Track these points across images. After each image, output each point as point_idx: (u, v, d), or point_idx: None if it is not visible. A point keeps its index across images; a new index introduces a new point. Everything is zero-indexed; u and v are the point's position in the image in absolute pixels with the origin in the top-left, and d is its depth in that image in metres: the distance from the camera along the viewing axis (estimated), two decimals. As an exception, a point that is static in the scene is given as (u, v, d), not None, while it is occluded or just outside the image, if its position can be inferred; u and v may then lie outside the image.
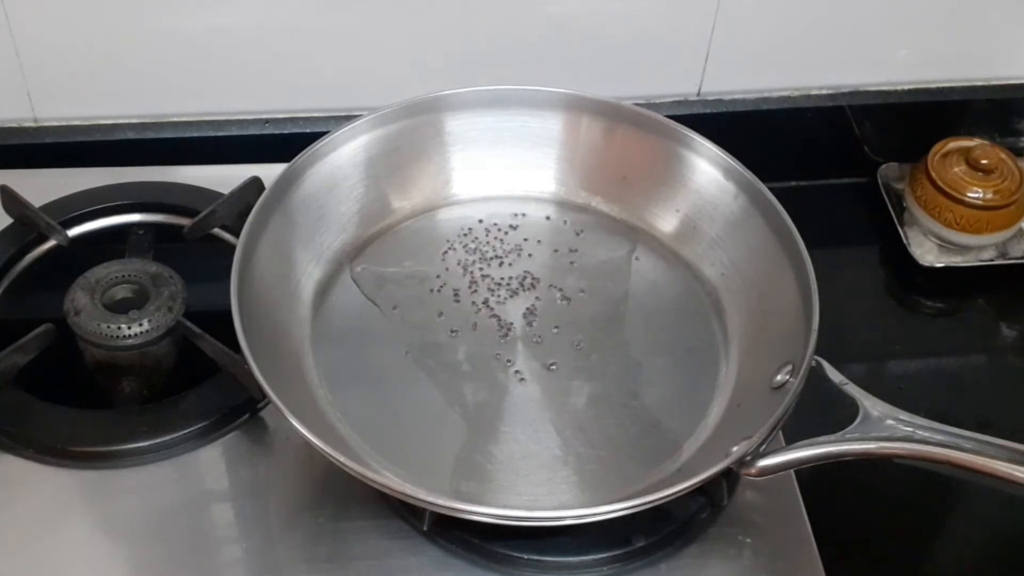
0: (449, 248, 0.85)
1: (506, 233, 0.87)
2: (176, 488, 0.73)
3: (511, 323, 0.81)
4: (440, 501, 0.65)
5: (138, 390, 0.79)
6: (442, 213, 0.88)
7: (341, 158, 0.84)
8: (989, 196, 0.94)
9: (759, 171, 0.82)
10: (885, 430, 0.68)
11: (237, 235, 0.76)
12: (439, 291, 0.83)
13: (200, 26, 0.91)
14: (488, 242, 0.86)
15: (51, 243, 0.87)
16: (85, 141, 0.95)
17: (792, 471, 0.73)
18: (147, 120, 0.96)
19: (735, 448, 0.68)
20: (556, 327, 0.81)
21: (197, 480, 0.74)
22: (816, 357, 0.71)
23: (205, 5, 0.90)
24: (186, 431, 0.75)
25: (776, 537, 0.73)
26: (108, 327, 0.78)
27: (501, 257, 0.85)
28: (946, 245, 0.96)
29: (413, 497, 0.66)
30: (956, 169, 0.95)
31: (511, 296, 0.83)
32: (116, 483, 0.73)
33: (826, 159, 1.05)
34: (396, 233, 0.86)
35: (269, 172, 0.81)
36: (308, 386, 0.76)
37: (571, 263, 0.85)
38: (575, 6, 0.93)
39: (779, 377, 0.73)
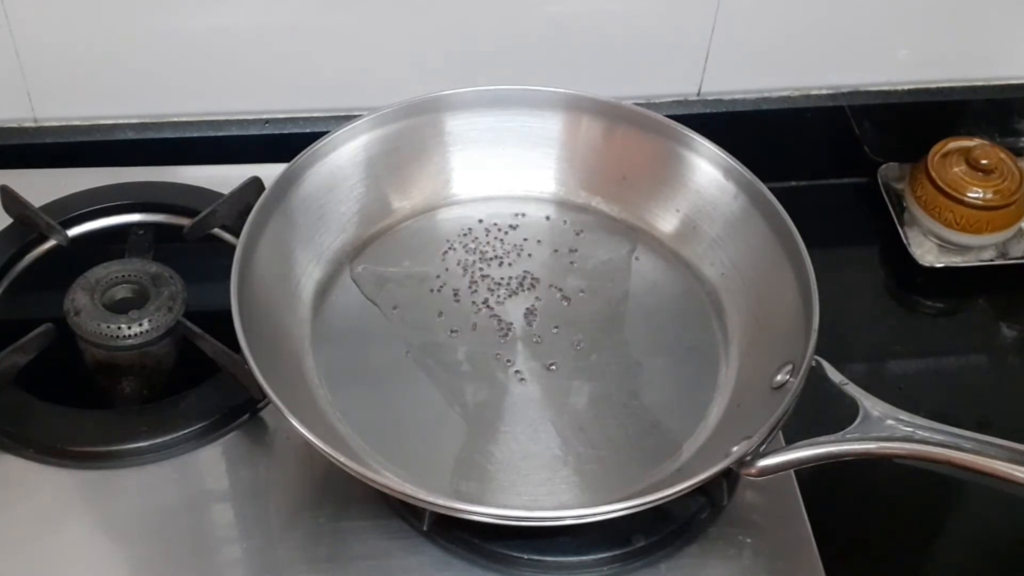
0: (449, 248, 0.85)
1: (506, 233, 0.87)
2: (176, 488, 0.73)
3: (511, 323, 0.81)
4: (440, 501, 0.65)
5: (138, 390, 0.79)
6: (442, 213, 0.88)
7: (341, 158, 0.84)
8: (989, 196, 0.94)
9: (759, 171, 0.82)
10: (885, 430, 0.68)
11: (237, 235, 0.76)
12: (439, 291, 0.83)
13: (200, 26, 0.91)
14: (488, 242, 0.86)
15: (51, 243, 0.87)
16: (85, 141, 0.95)
17: (792, 471, 0.73)
18: (147, 120, 0.96)
19: (735, 448, 0.68)
20: (556, 327, 0.81)
21: (197, 480, 0.74)
22: (816, 357, 0.71)
23: (205, 5, 0.90)
24: (186, 431, 0.75)
25: (776, 537, 0.73)
26: (108, 327, 0.78)
27: (501, 257, 0.85)
28: (946, 245, 0.96)
29: (413, 497, 0.66)
30: (956, 169, 0.95)
31: (511, 296, 0.83)
32: (116, 483, 0.73)
33: (826, 159, 1.05)
34: (396, 233, 0.86)
35: (269, 172, 0.81)
36: (308, 386, 0.76)
37: (571, 263, 0.85)
38: (575, 6, 0.93)
39: (779, 377, 0.73)
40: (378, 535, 0.71)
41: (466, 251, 0.85)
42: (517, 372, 0.78)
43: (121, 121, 0.96)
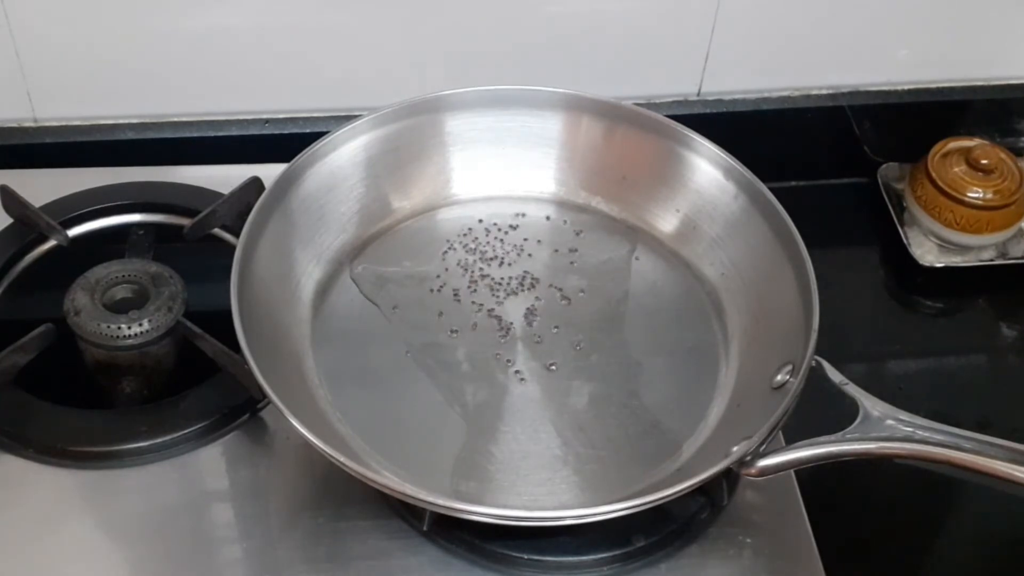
0: (449, 248, 0.85)
1: (506, 233, 0.87)
2: (176, 488, 0.73)
3: (511, 323, 0.81)
4: (440, 501, 0.65)
5: (138, 390, 0.79)
6: (442, 213, 0.88)
7: (341, 158, 0.84)
8: (989, 196, 0.94)
9: (759, 171, 0.82)
10: (885, 430, 0.68)
11: (237, 235, 0.76)
12: (439, 291, 0.83)
13: (200, 26, 0.91)
14: (488, 242, 0.86)
15: (51, 243, 0.87)
16: (85, 141, 0.95)
17: (792, 471, 0.73)
18: (147, 120, 0.96)
19: (735, 448, 0.68)
20: (556, 327, 0.81)
21: (197, 480, 0.74)
22: (816, 357, 0.71)
23: (205, 5, 0.90)
24: (186, 431, 0.75)
25: (776, 537, 0.73)
26: (108, 327, 0.78)
27: (501, 257, 0.85)
28: (946, 245, 0.96)
29: (413, 497, 0.66)
30: (956, 169, 0.95)
31: (511, 296, 0.83)
32: (116, 483, 0.73)
33: (826, 159, 1.05)
34: (396, 233, 0.86)
35: (269, 172, 0.81)
36: (308, 386, 0.76)
37: (571, 263, 0.85)
38: (575, 6, 0.93)
39: (779, 377, 0.73)
40: (378, 535, 0.71)
41: (466, 251, 0.85)
42: (517, 372, 0.78)
43: (121, 121, 0.96)
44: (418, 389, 0.77)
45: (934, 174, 0.95)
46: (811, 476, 0.73)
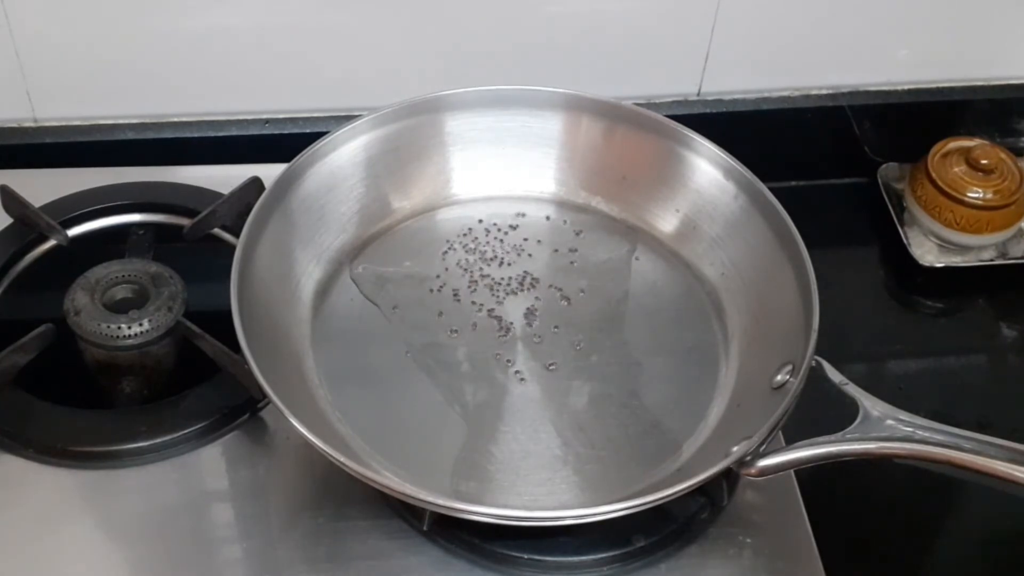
0: (449, 248, 0.85)
1: (506, 233, 0.87)
2: (176, 488, 0.73)
3: (511, 323, 0.81)
4: (440, 501, 0.65)
5: (138, 390, 0.79)
6: (442, 213, 0.88)
7: (341, 158, 0.84)
8: (989, 196, 0.94)
9: (759, 171, 0.82)
10: (885, 430, 0.68)
11: (237, 235, 0.76)
12: (439, 291, 0.83)
13: (200, 26, 0.91)
14: (488, 242, 0.86)
15: (51, 243, 0.87)
16: (85, 141, 0.95)
17: (792, 471, 0.73)
18: (147, 120, 0.96)
19: (735, 448, 0.68)
20: (556, 327, 0.81)
21: (197, 480, 0.74)
22: (816, 357, 0.71)
23: (205, 5, 0.90)
24: (186, 431, 0.75)
25: (776, 537, 0.73)
26: (108, 327, 0.78)
27: (501, 257, 0.85)
28: (946, 245, 0.96)
29: (413, 497, 0.66)
30: (956, 169, 0.95)
31: (511, 296, 0.83)
32: (116, 483, 0.73)
33: (826, 159, 1.05)
34: (396, 233, 0.86)
35: (269, 172, 0.81)
36: (308, 386, 0.76)
37: (571, 263, 0.85)
38: (575, 6, 0.93)
39: (779, 377, 0.73)
40: (378, 535, 0.71)
41: (466, 251, 0.85)
42: (517, 372, 0.78)
43: (121, 121, 0.96)
44: (418, 389, 0.77)
45: (934, 174, 0.95)
46: (811, 476, 0.73)
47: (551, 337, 0.80)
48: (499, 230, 0.87)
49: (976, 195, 0.94)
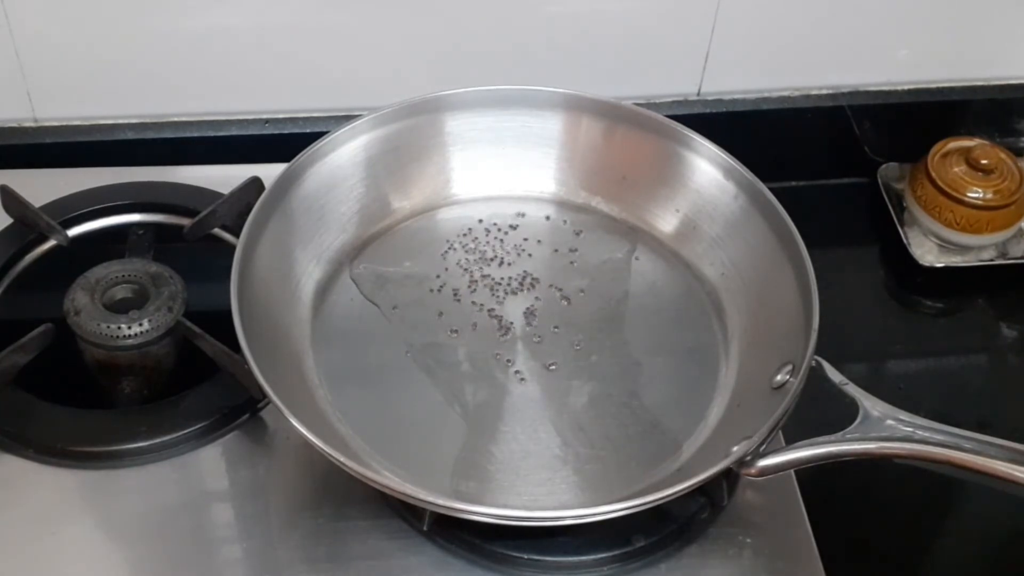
0: (449, 248, 0.85)
1: (506, 233, 0.87)
2: (176, 488, 0.73)
3: (511, 323, 0.81)
4: (440, 501, 0.65)
5: (138, 390, 0.79)
6: (442, 213, 0.88)
7: (341, 158, 0.84)
8: (989, 196, 0.94)
9: (759, 171, 0.82)
10: (885, 430, 0.68)
11: (237, 235, 0.76)
12: (439, 291, 0.83)
13: (200, 26, 0.91)
14: (488, 242, 0.86)
15: (51, 243, 0.87)
16: (85, 141, 0.95)
17: (792, 471, 0.73)
18: (147, 120, 0.96)
19: (735, 448, 0.68)
20: (556, 327, 0.81)
21: (197, 480, 0.74)
22: (816, 357, 0.71)
23: (205, 5, 0.90)
24: (186, 431, 0.75)
25: (776, 537, 0.73)
26: (108, 327, 0.78)
27: (501, 257, 0.85)
28: (946, 245, 0.96)
29: (413, 497, 0.66)
30: (956, 169, 0.95)
31: (511, 296, 0.83)
32: (116, 483, 0.73)
33: (826, 159, 1.05)
34: (396, 233, 0.86)
35: (269, 172, 0.82)
36: (308, 386, 0.76)
37: (571, 263, 0.85)
38: (575, 6, 0.93)
39: (779, 377, 0.73)
40: (378, 535, 0.71)
41: (466, 251, 0.85)
42: (517, 372, 0.78)
43: (121, 121, 0.96)
44: (418, 389, 0.77)
45: (934, 174, 0.95)
46: (811, 476, 0.73)
47: (551, 337, 0.80)
48: (499, 230, 0.87)
49: (976, 195, 0.94)
